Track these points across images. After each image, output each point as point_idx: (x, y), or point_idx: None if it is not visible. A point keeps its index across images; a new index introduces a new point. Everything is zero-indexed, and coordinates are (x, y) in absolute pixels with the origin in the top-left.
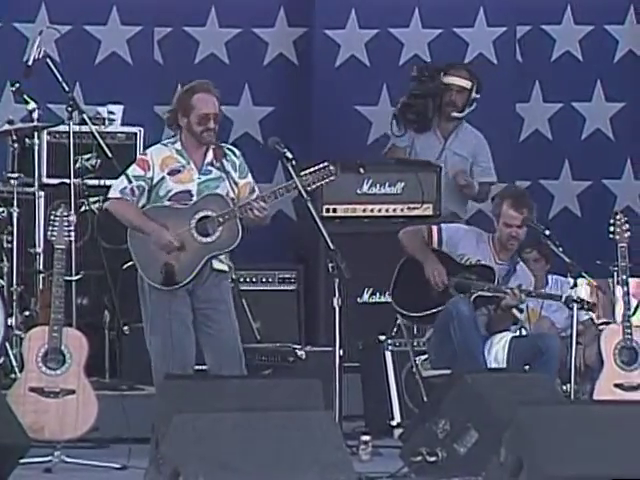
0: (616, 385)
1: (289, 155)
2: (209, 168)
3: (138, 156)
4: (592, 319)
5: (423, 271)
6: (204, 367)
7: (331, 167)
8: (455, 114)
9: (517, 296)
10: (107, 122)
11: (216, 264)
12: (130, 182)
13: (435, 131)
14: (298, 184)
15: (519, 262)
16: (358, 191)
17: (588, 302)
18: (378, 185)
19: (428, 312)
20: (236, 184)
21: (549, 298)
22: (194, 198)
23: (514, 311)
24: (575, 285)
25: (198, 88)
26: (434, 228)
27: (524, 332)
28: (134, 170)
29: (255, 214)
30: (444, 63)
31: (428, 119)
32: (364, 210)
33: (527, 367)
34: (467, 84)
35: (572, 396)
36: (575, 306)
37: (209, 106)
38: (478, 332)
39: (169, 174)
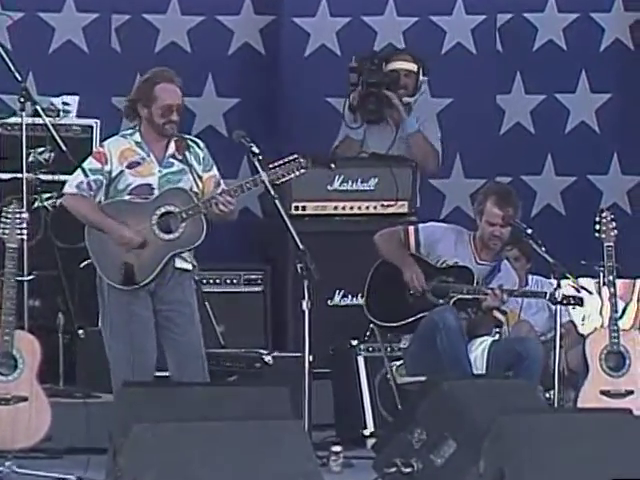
0: (602, 392)
1: (255, 150)
2: (171, 160)
3: (95, 149)
4: (573, 321)
5: (398, 277)
6: (165, 373)
7: (301, 160)
8: (407, 99)
9: (498, 296)
10: (62, 114)
11: (179, 263)
12: (87, 176)
13: (388, 121)
14: (265, 178)
15: (503, 261)
16: (329, 187)
17: (574, 297)
18: (350, 181)
19: (405, 321)
20: (200, 178)
21: (533, 296)
22: (155, 192)
23: (496, 313)
24: (559, 286)
25: (160, 77)
26: (410, 229)
27: (503, 336)
28: (90, 163)
29: (220, 209)
30: (385, 52)
31: (385, 108)
32: (335, 208)
33: (509, 373)
34: (413, 67)
35: (555, 403)
36: (558, 306)
37: (172, 97)
38: (465, 342)
39: (128, 167)
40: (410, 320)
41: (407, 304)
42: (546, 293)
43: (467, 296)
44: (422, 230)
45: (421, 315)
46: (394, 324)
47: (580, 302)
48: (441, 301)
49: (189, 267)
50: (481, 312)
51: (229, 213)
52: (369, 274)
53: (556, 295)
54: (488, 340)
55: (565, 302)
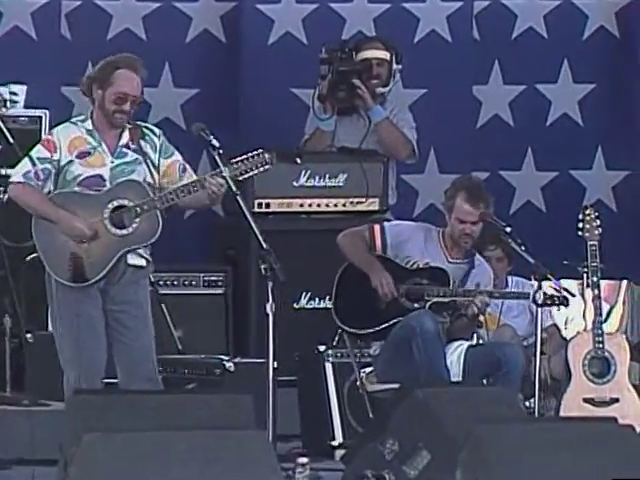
0: (585, 400)
1: (215, 143)
2: (124, 150)
3: (44, 136)
4: (557, 325)
5: (368, 280)
6: (114, 380)
7: (266, 155)
8: (380, 89)
9: (483, 303)
10: (9, 104)
11: (132, 259)
12: (34, 165)
13: (360, 113)
14: (227, 174)
15: (476, 256)
16: (294, 183)
17: (558, 297)
18: (317, 177)
19: (378, 328)
20: (156, 167)
21: (515, 297)
22: (107, 184)
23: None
24: (540, 288)
25: (124, 63)
26: (376, 228)
27: (481, 341)
28: (39, 152)
29: (213, 190)
30: (355, 40)
31: (356, 98)
32: (301, 205)
33: (486, 380)
34: (385, 55)
35: (536, 412)
36: (539, 308)
37: (130, 86)
38: (443, 347)
39: (78, 157)
40: (383, 326)
41: (379, 309)
42: (529, 293)
43: (444, 299)
44: (389, 229)
45: (395, 321)
46: (366, 330)
47: (565, 302)
48: (416, 305)
49: (143, 263)
50: (468, 319)
51: (219, 196)
52: (336, 277)
53: (537, 296)
54: (464, 345)
55: (549, 302)
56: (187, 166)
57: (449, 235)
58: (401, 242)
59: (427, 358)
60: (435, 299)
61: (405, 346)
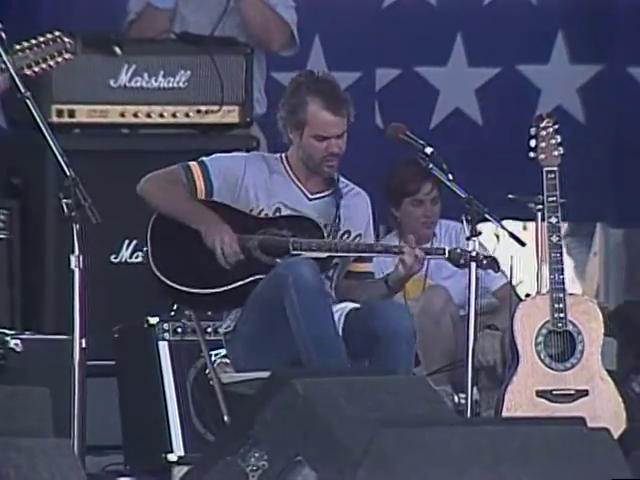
0: (540, 393)
1: None
2: None
3: None
4: (512, 285)
5: (196, 234)
6: None
7: (66, 39)
8: None
9: (419, 257)
10: None
11: None
12: None
13: None
14: (10, 65)
15: (339, 178)
16: (112, 83)
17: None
18: (146, 74)
19: (226, 288)
20: None
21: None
22: None
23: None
24: (475, 234)
25: None
26: (194, 167)
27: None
28: None
29: None
30: None
31: None
32: (122, 114)
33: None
34: None
35: (468, 411)
36: (472, 263)
37: None
38: (330, 307)
39: None
40: (234, 286)
41: (223, 269)
42: (444, 249)
43: (320, 254)
44: (210, 164)
45: (250, 279)
46: (209, 290)
47: (495, 266)
48: (278, 260)
49: None
50: (398, 279)
51: None
52: (148, 231)
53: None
54: (348, 306)
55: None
56: None
57: (302, 161)
58: (233, 181)
59: (307, 321)
60: (308, 254)
61: (273, 308)
